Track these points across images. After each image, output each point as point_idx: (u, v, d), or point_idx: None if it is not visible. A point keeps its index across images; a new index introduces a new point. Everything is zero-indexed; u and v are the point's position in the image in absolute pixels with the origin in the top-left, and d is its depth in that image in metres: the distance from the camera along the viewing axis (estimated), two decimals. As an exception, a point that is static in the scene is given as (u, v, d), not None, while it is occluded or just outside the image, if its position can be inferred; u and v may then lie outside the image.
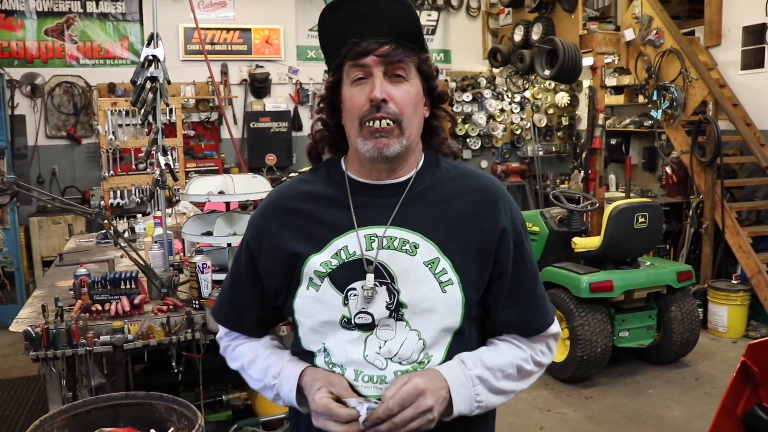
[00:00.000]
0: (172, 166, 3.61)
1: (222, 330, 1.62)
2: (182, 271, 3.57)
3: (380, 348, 1.36)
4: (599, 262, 4.99)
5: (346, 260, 1.38)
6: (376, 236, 1.38)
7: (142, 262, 3.27)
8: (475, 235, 1.39)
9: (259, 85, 8.15)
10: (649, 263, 5.18)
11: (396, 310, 1.35)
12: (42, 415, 2.47)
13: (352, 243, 1.38)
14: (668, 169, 7.09)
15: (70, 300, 3.18)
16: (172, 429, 2.52)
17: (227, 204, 3.51)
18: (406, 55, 1.36)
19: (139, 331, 2.94)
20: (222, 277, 3.24)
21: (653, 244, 5.31)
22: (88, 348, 2.87)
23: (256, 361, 1.49)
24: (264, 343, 1.54)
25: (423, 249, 1.36)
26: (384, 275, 1.36)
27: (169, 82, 3.48)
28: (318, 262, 1.39)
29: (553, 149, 9.39)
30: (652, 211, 5.00)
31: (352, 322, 1.36)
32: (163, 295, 3.23)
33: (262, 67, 8.19)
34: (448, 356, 1.38)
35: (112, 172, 6.63)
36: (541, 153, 9.16)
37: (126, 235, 4.39)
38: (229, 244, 3.41)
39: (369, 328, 1.36)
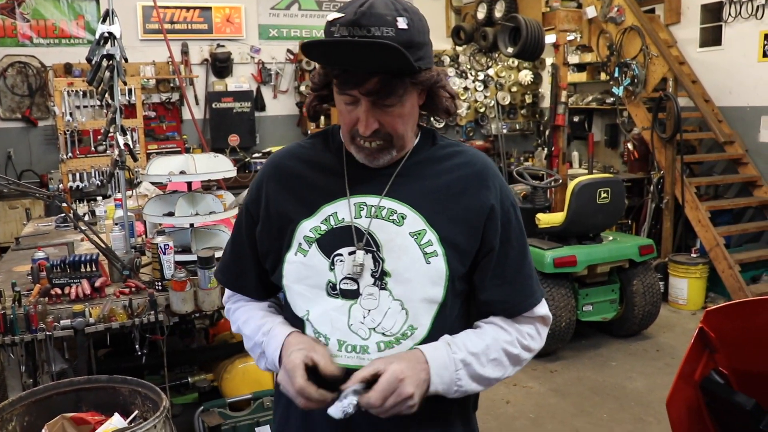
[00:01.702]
0: (132, 147, 3.54)
1: (227, 292, 1.64)
2: (144, 253, 3.51)
3: (364, 317, 1.36)
4: (563, 237, 5.06)
5: (334, 226, 1.39)
6: (366, 205, 1.38)
7: (102, 245, 3.20)
8: (463, 211, 1.39)
9: (220, 65, 8.02)
10: (611, 238, 5.27)
11: (380, 279, 1.36)
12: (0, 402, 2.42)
13: (341, 210, 1.39)
14: (630, 146, 7.19)
15: (28, 285, 3.11)
16: (136, 412, 2.49)
17: (189, 184, 3.46)
18: (395, 87, 1.30)
19: (101, 314, 2.88)
20: (185, 258, 3.21)
21: (615, 219, 5.40)
22: (47, 333, 2.81)
23: (249, 321, 1.51)
24: (261, 306, 1.56)
25: (410, 220, 1.37)
26: (371, 243, 1.37)
27: (126, 60, 3.39)
28: (308, 227, 1.40)
29: (517, 127, 9.44)
30: (615, 187, 5.07)
31: (338, 287, 1.37)
32: (125, 277, 3.18)
33: (223, 46, 8.05)
34: (433, 330, 1.38)
35: (70, 154, 6.48)
36: (504, 131, 9.20)
37: (86, 218, 4.29)
38: (191, 225, 3.36)
39: (353, 295, 1.36)
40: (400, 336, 1.36)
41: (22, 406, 2.46)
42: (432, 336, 1.38)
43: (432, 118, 1.48)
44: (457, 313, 1.44)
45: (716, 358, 1.78)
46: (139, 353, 2.98)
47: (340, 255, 1.38)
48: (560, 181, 5.90)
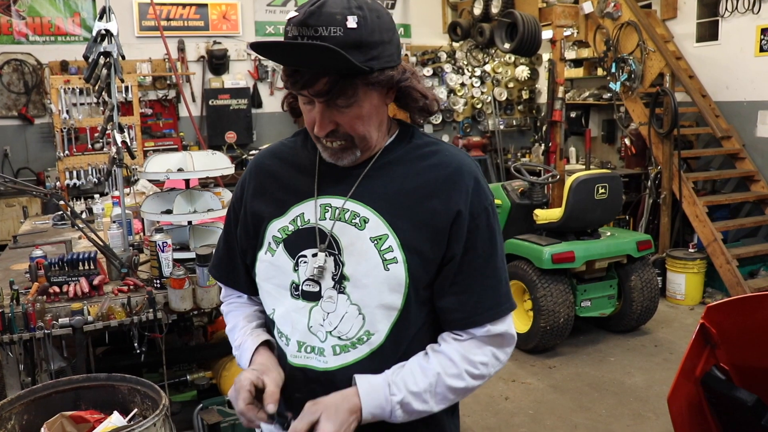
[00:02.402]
0: (129, 144, 3.53)
1: (223, 291, 1.66)
2: (142, 251, 3.50)
3: (323, 320, 1.36)
4: (561, 233, 5.06)
5: (300, 227, 1.39)
6: (330, 206, 1.38)
7: (100, 243, 3.19)
8: (429, 216, 1.33)
9: (217, 62, 8.00)
10: (609, 234, 5.27)
11: (339, 282, 1.35)
12: (-1, 401, 2.41)
13: (308, 210, 1.40)
14: (627, 141, 7.19)
15: (26, 283, 3.10)
16: (135, 410, 2.48)
17: (187, 181, 3.45)
18: (344, 88, 1.26)
19: (99, 313, 2.88)
20: (183, 255, 3.21)
21: (613, 215, 5.40)
22: (46, 331, 2.80)
23: (233, 329, 1.54)
24: (247, 312, 1.56)
25: (372, 224, 1.34)
26: (333, 246, 1.36)
27: (123, 57, 3.37)
28: (277, 227, 1.41)
29: (514, 123, 9.44)
30: (612, 182, 5.07)
31: (300, 289, 1.38)
32: (123, 275, 3.17)
33: (219, 43, 8.03)
34: (390, 336, 1.34)
35: (67, 152, 6.47)
36: (501, 127, 9.20)
37: (83, 216, 4.28)
38: (189, 222, 3.36)
39: (315, 297, 1.37)
40: (356, 341, 1.35)
41: (21, 404, 2.45)
42: (389, 343, 1.35)
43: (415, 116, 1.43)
44: (422, 321, 1.38)
45: (717, 354, 1.78)
46: (138, 351, 2.98)
47: (304, 256, 1.38)
48: (558, 176, 5.90)
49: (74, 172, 6.51)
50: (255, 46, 1.23)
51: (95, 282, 3.02)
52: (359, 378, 1.33)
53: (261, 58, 8.09)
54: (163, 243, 3.07)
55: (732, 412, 1.76)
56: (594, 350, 5.02)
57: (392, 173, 1.38)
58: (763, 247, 6.23)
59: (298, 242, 1.39)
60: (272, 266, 1.42)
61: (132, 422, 2.38)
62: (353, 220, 1.36)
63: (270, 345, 1.46)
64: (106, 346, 3.51)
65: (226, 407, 3.10)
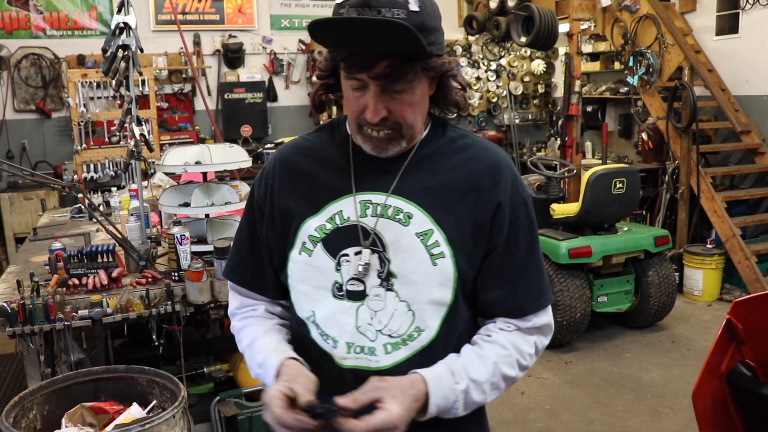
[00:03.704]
0: (147, 137, 3.54)
1: (235, 301, 1.53)
2: (160, 244, 3.51)
3: (371, 319, 1.33)
4: (577, 228, 5.03)
5: (340, 225, 1.35)
6: (371, 203, 1.34)
7: (119, 235, 3.21)
8: (471, 209, 1.33)
9: (232, 56, 8.00)
10: (626, 228, 5.23)
11: (386, 280, 1.32)
12: (20, 393, 2.43)
13: (347, 208, 1.35)
14: (644, 136, 7.13)
15: (46, 275, 3.12)
16: (154, 402, 2.50)
17: (204, 174, 3.46)
18: (405, 71, 1.24)
19: (118, 305, 2.89)
20: (201, 248, 3.21)
21: (630, 210, 5.36)
22: (66, 323, 2.82)
23: (251, 346, 1.43)
24: (264, 327, 1.46)
25: (416, 219, 1.32)
26: (377, 243, 1.33)
27: (141, 50, 3.38)
28: (313, 226, 1.36)
29: (530, 117, 9.39)
30: (630, 177, 5.03)
31: (344, 288, 1.34)
32: (142, 267, 3.18)
33: (235, 36, 8.03)
34: (441, 332, 1.34)
35: (84, 145, 6.51)
36: (517, 121, 9.15)
37: (101, 209, 4.31)
38: (207, 215, 3.36)
39: (360, 296, 1.33)
40: (406, 337, 1.33)
41: (42, 395, 2.47)
42: (440, 338, 1.35)
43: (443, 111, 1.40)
44: (469, 315, 1.40)
45: (743, 350, 1.76)
46: (156, 343, 2.99)
47: (346, 255, 1.34)
48: (574, 171, 5.87)
49: (91, 166, 6.55)
50: (318, 25, 1.17)
51: (114, 274, 3.03)
52: (424, 369, 1.30)
53: (277, 51, 8.15)
54: (181, 236, 3.07)
55: (757, 408, 1.74)
56: (611, 346, 4.99)
57: (431, 167, 1.36)
58: (782, 243, 6.16)
59: (338, 241, 1.34)
60: (309, 267, 1.37)
61: (151, 414, 2.40)
62: (397, 216, 1.33)
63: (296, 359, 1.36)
64: (124, 338, 3.53)
65: (243, 400, 3.11)
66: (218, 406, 3.09)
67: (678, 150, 6.38)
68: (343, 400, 1.20)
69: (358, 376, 1.32)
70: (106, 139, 6.48)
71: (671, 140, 6.42)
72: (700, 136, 6.31)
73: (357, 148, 1.38)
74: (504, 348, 1.36)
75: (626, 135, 8.20)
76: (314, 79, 7.99)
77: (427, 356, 1.34)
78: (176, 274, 3.07)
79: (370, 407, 1.20)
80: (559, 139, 7.20)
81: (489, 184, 1.35)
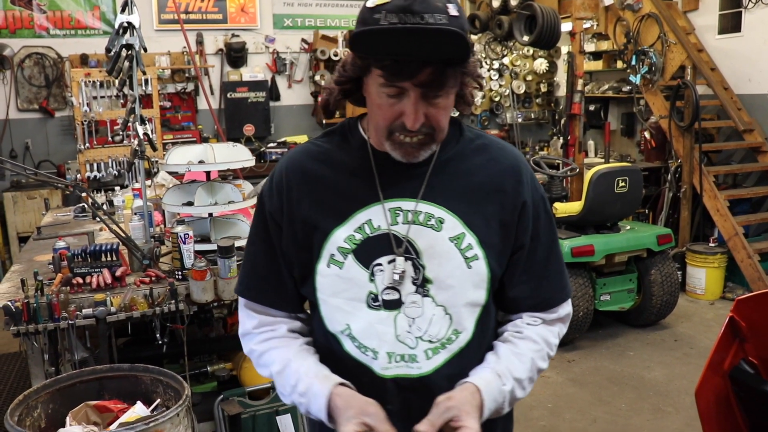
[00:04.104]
0: (150, 136, 3.54)
1: (251, 320, 1.44)
2: (163, 243, 3.52)
3: (410, 326, 1.32)
4: (580, 226, 5.03)
5: (370, 235, 1.32)
6: (401, 210, 1.32)
7: (122, 234, 3.22)
8: (497, 209, 1.35)
9: (235, 55, 8.01)
10: (629, 227, 5.23)
11: (422, 286, 1.32)
12: (24, 391, 2.44)
13: (376, 216, 1.32)
14: (647, 134, 7.12)
15: (50, 274, 3.13)
16: (158, 400, 2.50)
17: (207, 174, 3.46)
18: (447, 77, 1.22)
19: (122, 303, 2.90)
20: (205, 247, 3.22)
21: (633, 208, 5.36)
22: (70, 321, 2.83)
23: (284, 371, 1.36)
24: (296, 350, 1.39)
25: (448, 224, 1.32)
26: (409, 251, 1.32)
27: (145, 50, 3.39)
28: (342, 237, 1.32)
29: (532, 116, 9.38)
30: (632, 176, 5.03)
31: (379, 298, 1.32)
32: (145, 266, 3.19)
33: (238, 36, 8.04)
34: (476, 332, 1.36)
35: (87, 144, 6.52)
36: (520, 120, 9.15)
37: (104, 208, 4.31)
38: (210, 214, 3.37)
39: (396, 305, 1.32)
40: (445, 341, 1.34)
41: (47, 393, 2.48)
42: (476, 337, 1.36)
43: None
44: (494, 311, 1.43)
45: (746, 348, 1.77)
46: (160, 342, 3.00)
47: (380, 264, 1.32)
48: (577, 170, 5.86)
49: (95, 165, 6.56)
50: (369, 34, 1.14)
51: (118, 273, 3.04)
52: (474, 374, 1.33)
53: (279, 51, 8.15)
54: (184, 235, 3.08)
55: (760, 405, 1.74)
56: (613, 344, 4.99)
57: (456, 170, 1.36)
58: (785, 241, 6.15)
59: (370, 251, 1.32)
60: (341, 279, 1.33)
61: (155, 412, 2.41)
62: (429, 222, 1.32)
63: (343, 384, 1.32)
64: (127, 337, 3.53)
65: (247, 398, 3.12)
66: (222, 405, 3.10)
67: (680, 149, 6.38)
68: (423, 427, 1.21)
69: (399, 385, 1.33)
70: (110, 139, 6.50)
71: (674, 139, 6.42)
72: (702, 135, 6.31)
73: (377, 154, 1.35)
74: (536, 343, 1.40)
75: (629, 134, 8.20)
76: (324, 82, 8.01)
77: (465, 357, 1.36)
78: (180, 273, 3.08)
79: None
80: (561, 138, 7.20)
81: (512, 184, 1.37)
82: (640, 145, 7.59)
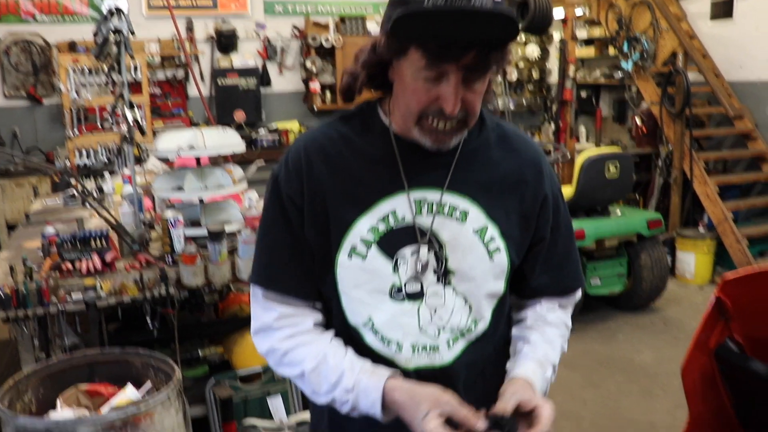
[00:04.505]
0: (140, 122, 3.53)
1: (270, 313, 1.33)
2: (154, 228, 3.51)
3: (431, 317, 1.31)
4: (571, 211, 4.96)
5: (394, 226, 1.28)
6: (426, 200, 1.29)
7: (112, 220, 3.21)
8: (518, 201, 1.35)
9: (225, 41, 7.95)
10: (619, 212, 5.25)
11: (444, 276, 1.31)
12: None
13: (400, 207, 1.28)
14: (638, 121, 7.14)
15: (39, 261, 3.11)
16: (149, 383, 2.51)
17: (198, 159, 3.45)
18: (491, 61, 1.17)
19: (112, 288, 2.89)
20: (195, 232, 3.21)
21: (624, 193, 5.39)
22: (60, 307, 2.82)
23: (320, 368, 1.28)
24: (329, 345, 1.31)
25: (473, 216, 1.31)
26: (434, 242, 1.30)
27: (133, 33, 3.36)
28: (365, 227, 1.28)
29: (524, 102, 9.37)
30: (623, 161, 5.05)
31: (403, 290, 1.30)
32: (135, 252, 3.18)
33: (228, 22, 7.98)
34: (492, 320, 1.37)
35: (76, 131, 6.48)
36: (511, 106, 9.14)
37: (94, 195, 4.30)
38: (201, 200, 3.36)
39: (418, 296, 1.30)
40: (465, 330, 1.34)
41: (37, 378, 2.48)
42: (492, 326, 1.37)
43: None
44: (509, 301, 1.44)
45: (731, 327, 1.78)
46: (151, 327, 3.00)
47: (403, 255, 1.29)
48: (568, 156, 5.88)
49: (84, 152, 6.53)
50: (416, 16, 1.09)
51: (107, 259, 3.03)
52: (517, 366, 1.34)
53: (270, 37, 8.10)
54: (174, 219, 3.08)
55: (744, 383, 1.76)
56: (603, 327, 5.02)
57: (480, 160, 1.34)
58: (774, 226, 6.19)
59: (393, 242, 1.28)
60: (364, 271, 1.28)
61: (146, 395, 2.41)
62: (453, 213, 1.30)
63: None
64: (117, 323, 3.53)
65: (238, 382, 3.12)
66: (213, 389, 3.11)
67: (671, 135, 6.40)
68: (497, 409, 1.21)
69: (422, 376, 1.32)
70: (99, 126, 6.46)
71: (665, 125, 6.43)
72: (693, 121, 6.33)
73: (400, 141, 1.31)
74: (559, 328, 1.43)
75: (620, 120, 8.21)
76: (308, 65, 7.98)
77: (479, 346, 1.37)
78: (170, 257, 3.08)
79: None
80: (553, 124, 7.21)
81: (533, 176, 1.37)
82: (632, 132, 7.60)
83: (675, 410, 3.73)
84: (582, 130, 8.44)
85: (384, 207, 1.28)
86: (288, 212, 1.31)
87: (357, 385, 1.24)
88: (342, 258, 1.29)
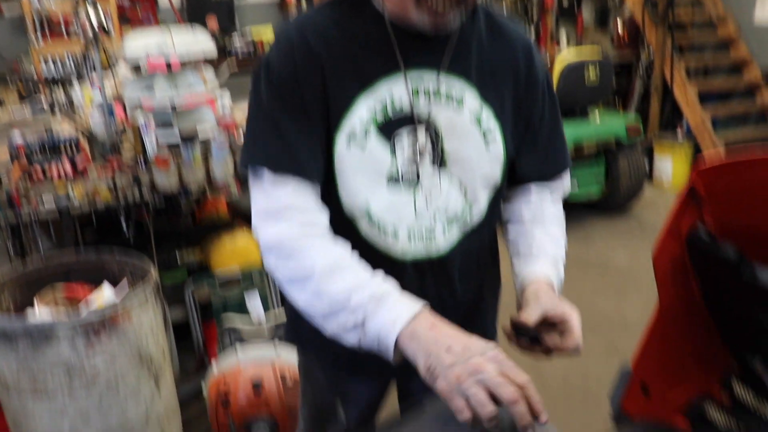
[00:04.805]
0: (105, 24, 3.38)
1: (271, 202, 1.20)
2: (126, 133, 3.43)
3: (427, 202, 1.30)
4: (550, 116, 5.01)
5: (392, 116, 1.25)
6: (422, 81, 1.25)
7: (82, 127, 3.13)
8: (512, 87, 1.34)
9: (195, -55, 7.60)
10: (599, 117, 5.23)
11: (440, 161, 1.29)
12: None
13: (398, 91, 1.24)
14: (620, 27, 7.00)
15: (8, 168, 3.04)
16: (125, 281, 2.51)
17: (168, 64, 3.33)
18: None
19: (85, 194, 2.85)
20: (168, 137, 3.13)
21: (603, 96, 5.35)
22: (32, 213, 2.78)
23: (342, 272, 1.14)
24: (348, 252, 1.19)
25: (469, 99, 1.28)
26: (430, 126, 1.28)
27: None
28: (364, 108, 1.23)
29: (504, 8, 9.13)
30: (603, 66, 5.00)
31: (399, 174, 1.27)
32: (107, 157, 3.12)
33: (196, -76, 7.59)
34: (488, 210, 1.37)
35: (41, 41, 6.24)
36: (492, 14, 8.91)
37: (63, 102, 4.17)
38: (173, 107, 3.27)
39: (415, 182, 1.29)
40: (460, 217, 1.34)
41: (13, 282, 2.47)
42: (487, 216, 1.37)
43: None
44: (504, 189, 1.43)
45: (704, 215, 1.80)
46: (126, 233, 2.98)
47: (399, 138, 1.26)
48: (548, 63, 5.79)
49: (50, 61, 6.30)
50: None
51: (79, 164, 2.98)
52: (532, 265, 1.34)
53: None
54: (145, 123, 3.01)
55: (714, 270, 1.79)
56: (580, 231, 5.09)
57: (474, 46, 1.30)
58: (751, 132, 6.21)
59: (391, 128, 1.24)
60: (362, 154, 1.24)
61: (123, 293, 2.41)
62: (450, 96, 1.27)
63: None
64: (94, 232, 3.50)
65: (217, 284, 3.14)
66: (192, 291, 3.13)
67: (653, 40, 6.30)
68: (522, 318, 1.21)
69: (418, 268, 1.32)
70: (64, 34, 6.22)
71: (647, 30, 6.32)
72: (675, 26, 6.22)
73: (395, 26, 1.25)
74: (558, 224, 1.45)
75: (602, 25, 8.05)
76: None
77: (474, 236, 1.37)
78: (143, 162, 3.02)
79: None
80: (533, 30, 7.06)
81: (526, 62, 1.35)
82: (613, 39, 7.47)
83: (647, 307, 3.80)
84: (563, 36, 8.28)
85: (382, 89, 1.24)
86: (284, 93, 1.22)
87: (386, 297, 1.09)
88: (340, 143, 1.23)
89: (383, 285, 1.12)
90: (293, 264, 1.16)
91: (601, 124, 5.09)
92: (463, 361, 0.97)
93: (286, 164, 1.20)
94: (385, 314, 1.07)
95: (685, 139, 5.98)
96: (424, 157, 1.28)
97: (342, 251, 1.18)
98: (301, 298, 1.17)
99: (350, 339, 1.12)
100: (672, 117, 6.44)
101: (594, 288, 4.17)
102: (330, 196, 1.27)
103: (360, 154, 1.24)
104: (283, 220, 1.18)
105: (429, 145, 1.28)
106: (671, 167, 5.95)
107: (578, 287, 4.19)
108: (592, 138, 4.99)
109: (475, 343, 1.01)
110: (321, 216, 1.22)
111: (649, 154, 6.07)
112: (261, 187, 1.22)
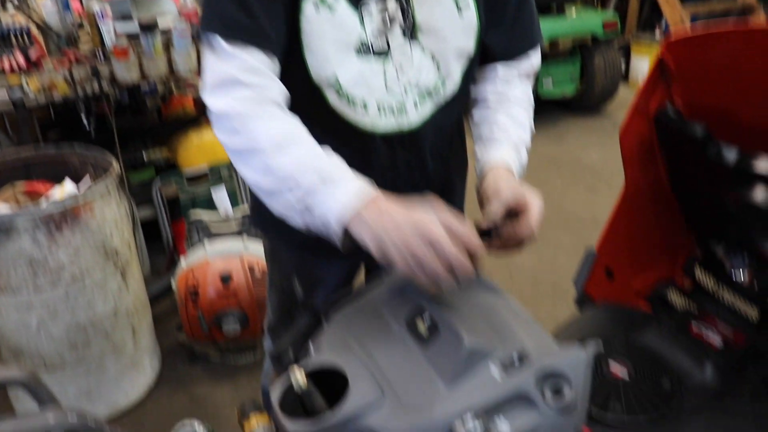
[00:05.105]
0: None
1: (225, 65, 1.11)
2: (82, 25, 3.28)
3: (398, 74, 1.24)
4: (525, 12, 4.88)
5: None
6: None
7: (35, 17, 2.97)
8: None
9: None
10: (575, 13, 5.11)
11: (410, 31, 1.23)
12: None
13: None
14: None
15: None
16: (87, 177, 2.45)
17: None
18: None
19: (41, 86, 2.74)
20: (127, 27, 3.00)
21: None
22: (-16, 107, 2.67)
23: (289, 147, 1.07)
24: (301, 127, 1.11)
25: None
26: None
27: None
28: None
29: None
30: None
31: (369, 44, 1.20)
32: (63, 49, 2.99)
33: None
34: (462, 83, 1.30)
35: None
36: None
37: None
38: (130, -5, 3.11)
39: (385, 53, 1.22)
40: (433, 90, 1.28)
41: (-32, 177, 2.40)
42: (461, 90, 1.31)
43: None
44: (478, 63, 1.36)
45: (672, 91, 1.77)
46: (87, 126, 2.89)
47: (367, 5, 1.19)
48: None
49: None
50: None
51: (32, 56, 2.85)
52: (492, 150, 1.29)
53: None
54: (101, 11, 2.86)
55: (682, 148, 1.78)
56: (553, 129, 5.07)
57: None
58: (729, 29, 6.11)
59: None
60: (330, 23, 1.17)
61: (85, 187, 2.36)
62: None
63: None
64: (56, 130, 3.40)
65: (185, 181, 3.09)
66: (160, 188, 3.08)
67: (634, -68, 6.09)
68: (486, 224, 1.14)
69: (388, 142, 1.28)
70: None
71: None
72: None
73: None
74: (523, 105, 1.38)
75: None
76: None
77: (447, 111, 1.31)
78: (101, 53, 2.90)
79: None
80: None
81: None
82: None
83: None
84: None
85: None
86: None
87: (333, 178, 1.04)
88: (307, 6, 1.16)
89: (331, 165, 1.07)
90: (240, 137, 1.09)
91: (578, 20, 4.98)
92: (411, 233, 0.97)
93: (242, 33, 1.11)
94: (332, 198, 1.03)
95: (663, 38, 5.88)
96: (394, 26, 1.22)
97: (291, 125, 1.11)
98: (248, 174, 1.11)
99: (297, 220, 1.08)
100: (651, 17, 6.31)
101: (565, 185, 4.19)
102: (297, 64, 1.20)
103: (330, 17, 1.17)
104: (234, 91, 1.10)
105: (399, 14, 1.21)
106: (648, 68, 5.87)
107: (549, 184, 4.21)
108: (567, 34, 4.88)
109: (420, 213, 0.99)
110: (274, 88, 1.13)
111: (626, 54, 5.98)
112: (213, 53, 1.13)
